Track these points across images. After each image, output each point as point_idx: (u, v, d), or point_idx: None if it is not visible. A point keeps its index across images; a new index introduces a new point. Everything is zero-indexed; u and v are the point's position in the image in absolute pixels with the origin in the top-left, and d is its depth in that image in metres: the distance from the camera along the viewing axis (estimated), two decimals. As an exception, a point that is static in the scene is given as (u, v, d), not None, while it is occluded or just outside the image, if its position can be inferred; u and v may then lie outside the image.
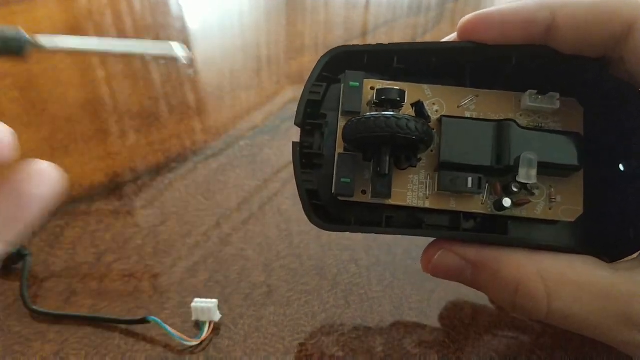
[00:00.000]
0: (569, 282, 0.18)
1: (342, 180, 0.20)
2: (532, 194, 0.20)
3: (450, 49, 0.21)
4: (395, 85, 0.20)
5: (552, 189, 0.20)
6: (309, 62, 0.46)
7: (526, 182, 0.19)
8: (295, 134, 0.21)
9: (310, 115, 0.21)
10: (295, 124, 0.20)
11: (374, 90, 0.20)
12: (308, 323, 0.26)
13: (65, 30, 0.49)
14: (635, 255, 0.19)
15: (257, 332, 0.26)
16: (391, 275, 0.28)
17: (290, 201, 0.33)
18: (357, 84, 0.21)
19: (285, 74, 0.45)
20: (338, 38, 0.50)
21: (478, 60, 0.21)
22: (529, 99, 0.20)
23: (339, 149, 0.21)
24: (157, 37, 0.51)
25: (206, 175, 0.35)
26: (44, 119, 0.40)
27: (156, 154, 0.37)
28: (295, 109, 0.20)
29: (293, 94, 0.43)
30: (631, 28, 0.18)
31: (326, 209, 0.21)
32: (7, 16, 0.50)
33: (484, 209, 0.20)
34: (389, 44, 0.21)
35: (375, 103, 0.20)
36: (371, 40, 0.50)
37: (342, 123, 0.21)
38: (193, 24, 0.54)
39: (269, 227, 0.31)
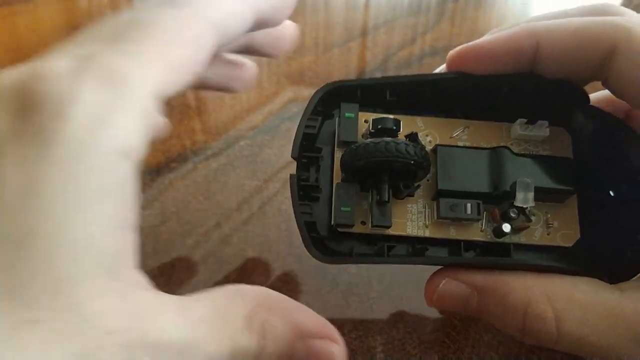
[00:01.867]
0: (576, 303, 0.17)
1: (343, 209, 0.20)
2: (530, 220, 0.20)
3: (440, 79, 0.21)
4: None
5: (549, 215, 0.21)
6: (309, 62, 0.46)
7: (524, 206, 0.19)
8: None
9: (306, 148, 0.21)
10: (292, 156, 0.20)
11: (367, 123, 0.21)
12: (308, 323, 0.26)
13: (65, 30, 0.49)
14: (638, 275, 0.19)
15: (257, 332, 0.26)
16: (391, 275, 0.28)
17: (290, 201, 0.33)
18: (353, 115, 0.21)
19: (285, 74, 0.45)
20: (338, 38, 0.50)
21: (468, 90, 0.21)
22: (519, 128, 0.21)
23: (337, 180, 0.21)
24: (157, 37, 0.51)
25: (206, 175, 0.35)
26: (44, 119, 0.40)
27: (156, 154, 0.37)
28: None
29: (293, 94, 0.43)
30: (613, 52, 0.18)
31: (324, 241, 0.21)
32: (8, 16, 0.50)
33: (483, 236, 0.20)
34: (382, 77, 0.21)
35: (371, 133, 0.20)
36: (371, 40, 0.50)
37: (338, 154, 0.21)
38: (193, 24, 0.54)
39: (269, 227, 0.31)
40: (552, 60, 0.19)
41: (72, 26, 0.50)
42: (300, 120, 0.21)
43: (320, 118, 0.21)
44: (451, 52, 0.21)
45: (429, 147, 0.21)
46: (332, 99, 0.21)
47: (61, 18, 0.51)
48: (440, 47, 0.49)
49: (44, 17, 0.51)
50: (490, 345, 0.25)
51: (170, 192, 0.33)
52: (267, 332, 0.17)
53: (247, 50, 0.22)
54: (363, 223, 0.20)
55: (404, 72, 0.45)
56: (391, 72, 0.45)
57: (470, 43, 0.20)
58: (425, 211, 0.21)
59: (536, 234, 0.20)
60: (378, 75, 0.45)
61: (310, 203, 0.20)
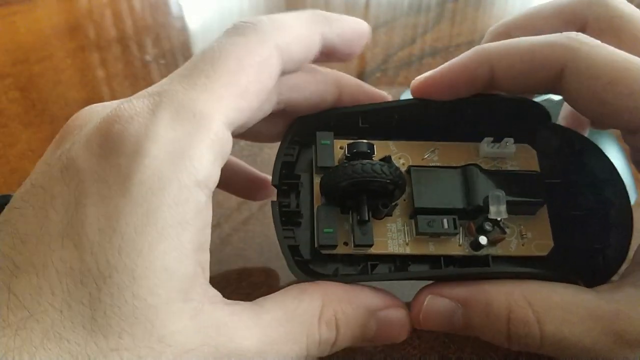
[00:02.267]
0: (555, 305, 0.18)
1: (325, 230, 0.20)
2: (505, 232, 0.21)
3: (405, 106, 0.22)
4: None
5: (522, 227, 0.21)
6: (309, 62, 0.47)
7: (497, 218, 0.20)
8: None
9: (286, 176, 0.22)
10: (272, 184, 0.21)
11: (343, 149, 0.22)
12: (308, 323, 0.26)
13: (65, 30, 0.49)
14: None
15: (257, 332, 0.26)
16: (391, 275, 0.28)
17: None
18: (328, 142, 0.22)
19: (285, 74, 0.45)
20: (338, 38, 0.50)
21: (434, 114, 0.22)
22: (486, 146, 0.22)
23: (317, 204, 0.21)
24: (157, 37, 0.51)
25: (206, 175, 0.35)
26: (44, 119, 0.40)
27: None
28: None
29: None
30: (562, 71, 0.19)
31: (309, 265, 0.21)
32: (7, 16, 0.50)
33: (461, 250, 0.21)
34: (352, 106, 0.22)
35: (347, 157, 0.21)
36: (371, 39, 0.50)
37: (317, 180, 0.21)
38: (193, 24, 0.54)
39: (269, 227, 0.31)
40: (508, 80, 0.20)
41: (71, 26, 0.50)
42: (278, 150, 0.21)
43: (297, 147, 0.22)
44: (413, 82, 0.22)
45: (402, 169, 0.22)
46: (307, 129, 0.22)
47: (61, 18, 0.51)
48: (440, 47, 0.49)
49: (43, 17, 0.51)
50: (490, 345, 0.25)
51: (170, 192, 0.33)
52: (340, 320, 0.18)
53: (324, 53, 0.21)
54: (345, 244, 0.21)
55: (404, 72, 0.45)
56: (391, 72, 0.45)
57: (429, 72, 0.21)
58: (404, 229, 0.21)
59: (512, 246, 0.21)
60: (378, 75, 0.45)
61: (292, 228, 0.21)
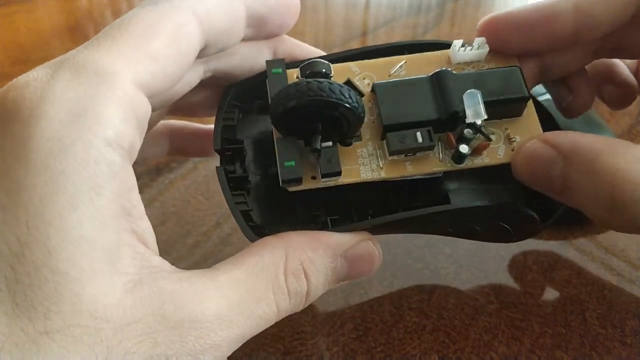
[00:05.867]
0: None
1: (286, 164, 0.18)
2: (489, 139, 0.19)
3: (351, 56, 0.21)
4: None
5: (508, 130, 0.20)
6: (309, 62, 0.46)
7: (476, 120, 0.18)
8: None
9: (228, 140, 0.20)
10: (215, 149, 0.20)
11: (298, 78, 0.20)
12: (308, 323, 0.26)
13: (65, 30, 0.49)
14: None
15: (257, 332, 0.26)
16: (391, 275, 0.28)
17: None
18: (280, 70, 0.20)
19: (285, 74, 0.45)
20: (338, 38, 0.50)
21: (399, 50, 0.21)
22: (457, 51, 0.20)
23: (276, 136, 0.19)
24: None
25: (206, 175, 0.35)
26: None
27: (156, 154, 0.36)
28: None
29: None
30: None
31: (264, 230, 0.20)
32: (7, 16, 0.50)
33: (443, 166, 0.19)
34: (290, 62, 0.20)
35: None
36: (371, 40, 0.50)
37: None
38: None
39: (269, 227, 0.31)
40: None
41: (71, 26, 0.50)
42: (217, 114, 0.20)
43: (237, 110, 0.21)
44: (481, 21, 0.20)
45: (367, 90, 0.20)
46: (245, 94, 0.21)
47: (61, 18, 0.51)
48: (440, 47, 0.49)
49: (43, 17, 0.51)
50: (490, 345, 0.25)
51: (170, 192, 0.33)
52: (308, 268, 0.17)
53: (255, 26, 0.20)
54: (314, 178, 0.19)
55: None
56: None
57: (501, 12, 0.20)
58: (376, 152, 0.19)
59: (500, 152, 0.19)
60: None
61: (243, 193, 0.19)
